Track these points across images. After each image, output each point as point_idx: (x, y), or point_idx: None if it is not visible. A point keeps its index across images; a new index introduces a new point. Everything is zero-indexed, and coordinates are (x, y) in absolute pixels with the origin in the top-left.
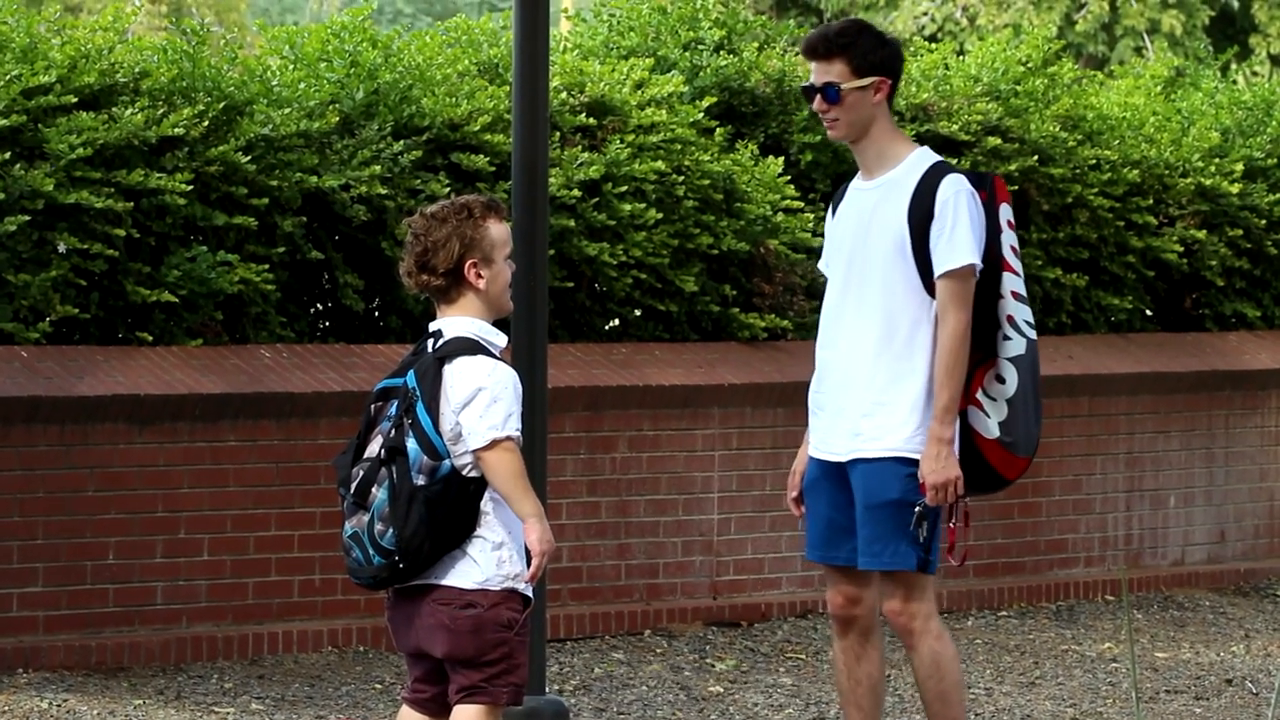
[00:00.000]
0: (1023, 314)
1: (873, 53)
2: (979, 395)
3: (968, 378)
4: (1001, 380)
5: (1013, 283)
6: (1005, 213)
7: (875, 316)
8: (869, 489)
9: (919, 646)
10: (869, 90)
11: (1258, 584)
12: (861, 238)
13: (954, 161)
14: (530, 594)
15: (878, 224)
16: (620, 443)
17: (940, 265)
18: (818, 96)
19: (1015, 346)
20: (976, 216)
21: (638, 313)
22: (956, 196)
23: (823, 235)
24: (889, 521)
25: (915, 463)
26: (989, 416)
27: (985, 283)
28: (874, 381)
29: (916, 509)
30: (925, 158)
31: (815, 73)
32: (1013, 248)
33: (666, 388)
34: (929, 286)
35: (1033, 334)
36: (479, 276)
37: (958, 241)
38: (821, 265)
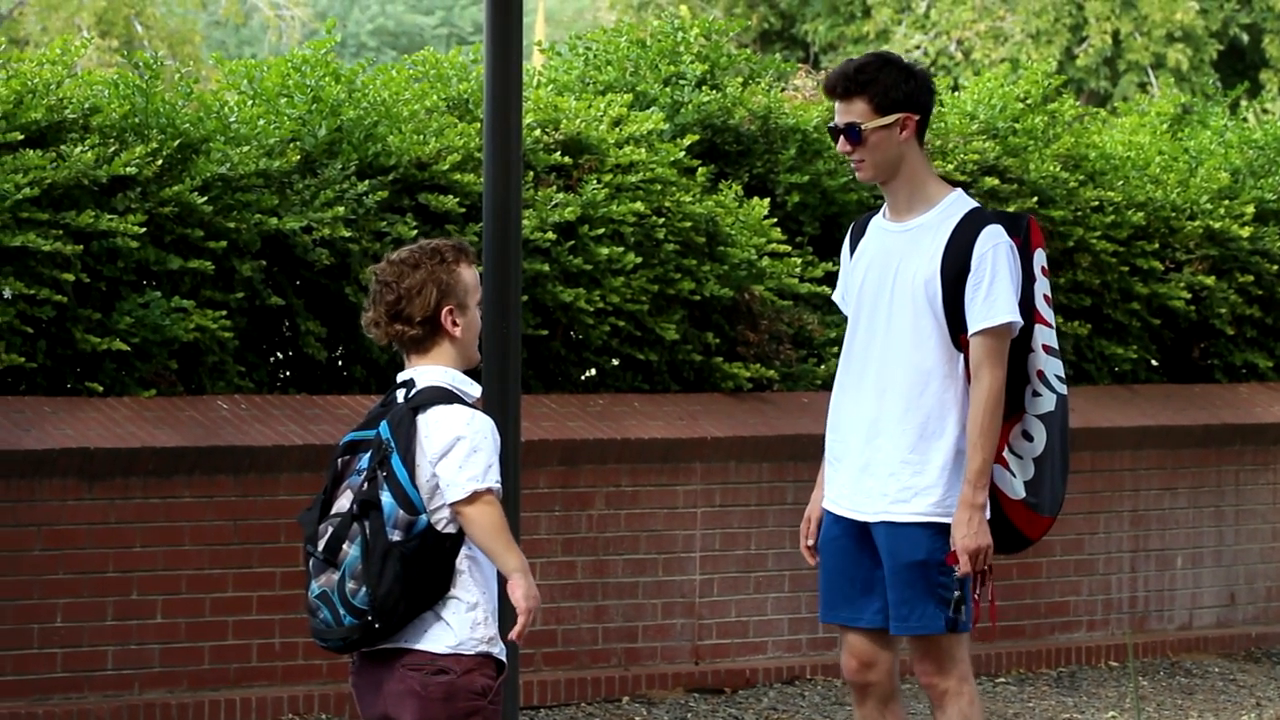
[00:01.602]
0: (1053, 368)
1: (895, 88)
2: (1005, 454)
3: None
4: (1030, 438)
5: (1044, 335)
6: (1039, 258)
7: (903, 369)
8: (896, 550)
9: (949, 709)
10: (894, 128)
11: (1269, 649)
12: (888, 284)
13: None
14: (505, 659)
15: (907, 271)
16: (597, 499)
17: (977, 322)
18: (841, 137)
19: (1045, 403)
20: (1015, 271)
21: (616, 362)
22: (995, 250)
23: (815, 280)
24: (917, 584)
25: (945, 527)
26: (1015, 476)
27: (1017, 336)
28: (903, 439)
29: (955, 591)
30: (960, 203)
31: (838, 113)
32: (1045, 296)
33: (646, 441)
34: (956, 340)
35: (1063, 389)
36: (455, 324)
37: (996, 298)
38: (838, 299)
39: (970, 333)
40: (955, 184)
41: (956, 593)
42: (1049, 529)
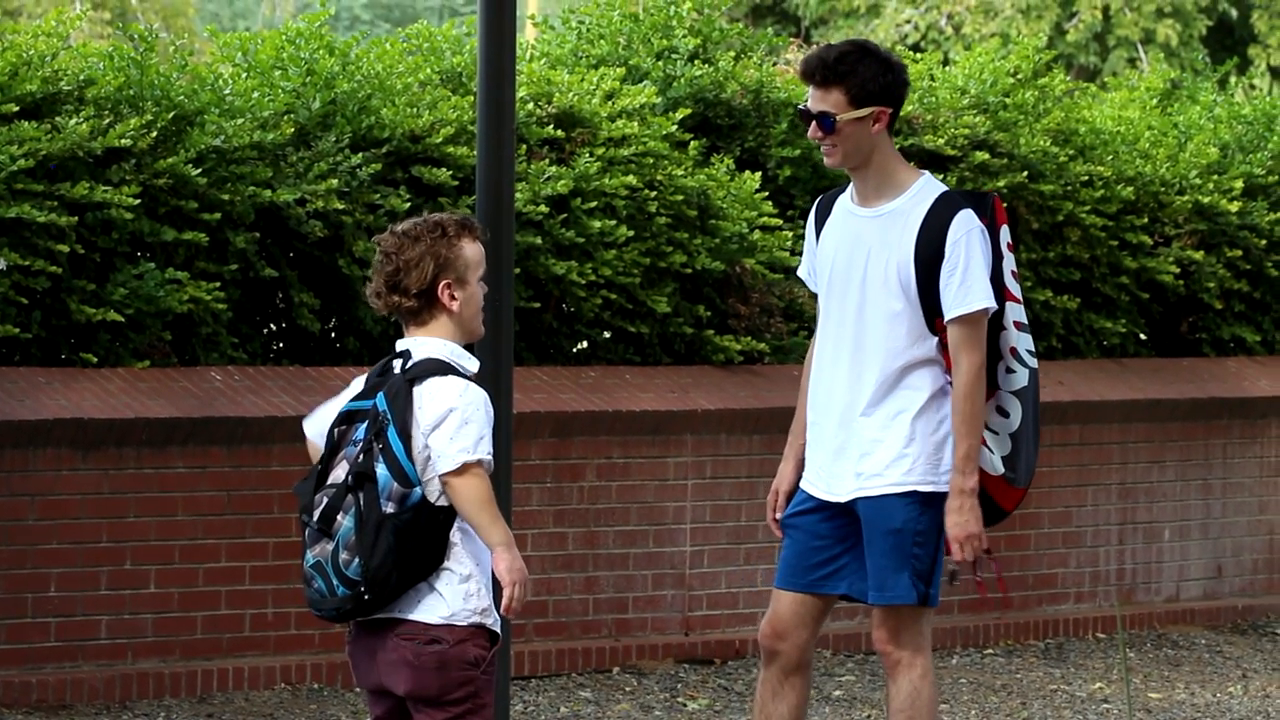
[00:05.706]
0: (1024, 343)
1: (873, 81)
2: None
3: None
4: (1005, 414)
5: (1015, 312)
6: (1004, 235)
7: (878, 356)
8: (872, 520)
9: (899, 679)
10: (867, 120)
11: (1256, 621)
12: (860, 270)
13: (941, 177)
14: (499, 630)
15: (879, 257)
16: (588, 471)
17: (953, 309)
18: (813, 124)
19: (1019, 379)
20: (988, 256)
21: (607, 335)
22: (969, 236)
23: (801, 251)
24: (892, 553)
25: (916, 494)
26: (993, 452)
27: (990, 316)
28: (877, 421)
29: (927, 563)
30: (929, 188)
31: (812, 98)
32: (1013, 272)
33: (637, 413)
34: (931, 324)
35: (1034, 362)
36: (453, 298)
37: (972, 284)
38: (803, 275)
39: (947, 319)
40: (906, 157)
41: (952, 569)
42: (1023, 499)
